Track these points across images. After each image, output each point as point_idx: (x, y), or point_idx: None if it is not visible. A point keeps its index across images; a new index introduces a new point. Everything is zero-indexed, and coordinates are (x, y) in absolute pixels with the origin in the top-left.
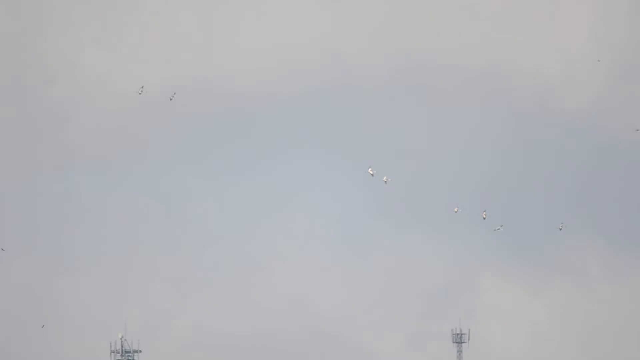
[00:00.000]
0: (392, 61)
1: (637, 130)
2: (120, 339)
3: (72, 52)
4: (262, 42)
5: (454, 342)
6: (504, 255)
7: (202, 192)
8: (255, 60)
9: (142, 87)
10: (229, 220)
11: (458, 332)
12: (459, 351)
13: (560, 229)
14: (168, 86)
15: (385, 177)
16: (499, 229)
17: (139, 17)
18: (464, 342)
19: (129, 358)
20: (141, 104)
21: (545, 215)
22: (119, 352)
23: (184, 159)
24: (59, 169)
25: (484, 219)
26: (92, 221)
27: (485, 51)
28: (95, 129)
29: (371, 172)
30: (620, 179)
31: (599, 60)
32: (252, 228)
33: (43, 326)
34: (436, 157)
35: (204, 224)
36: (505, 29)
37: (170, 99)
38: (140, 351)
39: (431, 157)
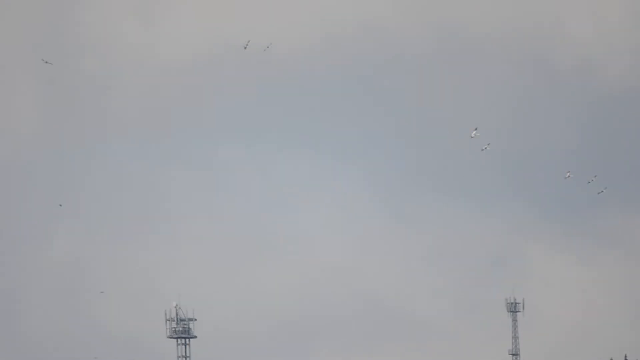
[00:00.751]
0: (428, 31)
1: None
2: (175, 307)
3: (110, 23)
4: (299, 13)
5: (508, 312)
6: (554, 225)
7: (246, 162)
8: (292, 30)
9: (249, 41)
10: (274, 189)
11: (512, 301)
12: (514, 320)
13: (567, 178)
14: (204, 55)
15: (486, 145)
16: (603, 191)
17: None
18: (518, 312)
19: (185, 326)
20: (177, 74)
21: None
22: (174, 321)
23: (226, 128)
24: (102, 138)
25: (589, 182)
26: (143, 190)
27: (523, 20)
28: (133, 98)
29: (474, 135)
30: None
31: None
32: (299, 197)
33: (102, 292)
34: (480, 128)
35: (248, 193)
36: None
37: (245, 48)
38: (196, 319)
39: (475, 128)
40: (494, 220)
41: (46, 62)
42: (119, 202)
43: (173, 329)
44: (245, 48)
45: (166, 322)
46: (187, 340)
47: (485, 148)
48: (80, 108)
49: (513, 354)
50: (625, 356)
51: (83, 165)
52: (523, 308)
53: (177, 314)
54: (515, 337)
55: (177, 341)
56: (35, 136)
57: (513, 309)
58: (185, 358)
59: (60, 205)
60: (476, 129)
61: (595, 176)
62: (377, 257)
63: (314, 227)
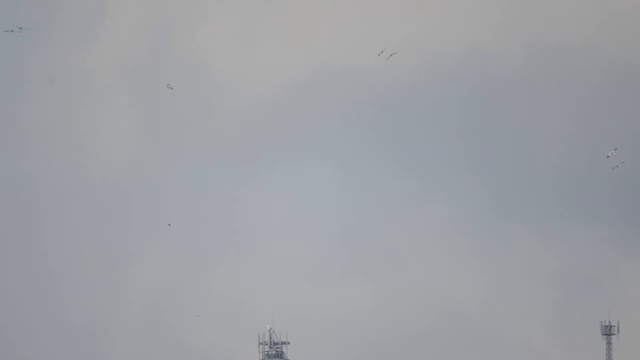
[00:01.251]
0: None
1: None
2: (269, 330)
3: (213, 45)
4: (395, 35)
5: (603, 335)
6: None
7: (335, 183)
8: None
9: (385, 47)
10: (363, 210)
11: (607, 324)
12: (608, 343)
13: (609, 157)
14: (305, 77)
15: (620, 163)
16: None
17: (275, 9)
18: (613, 335)
19: (278, 350)
20: (281, 95)
21: None
22: (267, 344)
23: (320, 150)
24: (198, 163)
25: None
26: (236, 213)
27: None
28: (237, 121)
29: (610, 155)
30: None
31: None
32: (387, 219)
33: (198, 315)
34: (572, 153)
35: (337, 214)
36: None
37: (378, 55)
38: (289, 343)
39: (567, 153)
40: (589, 241)
41: (169, 87)
42: (213, 225)
43: (266, 353)
44: (378, 55)
45: (259, 345)
46: None
47: (618, 167)
48: (181, 131)
49: None
50: None
51: (177, 188)
52: (618, 331)
53: (270, 338)
54: None
55: None
56: (133, 158)
57: (608, 332)
58: None
59: (170, 224)
60: (615, 149)
61: None
62: (469, 279)
63: (405, 248)
